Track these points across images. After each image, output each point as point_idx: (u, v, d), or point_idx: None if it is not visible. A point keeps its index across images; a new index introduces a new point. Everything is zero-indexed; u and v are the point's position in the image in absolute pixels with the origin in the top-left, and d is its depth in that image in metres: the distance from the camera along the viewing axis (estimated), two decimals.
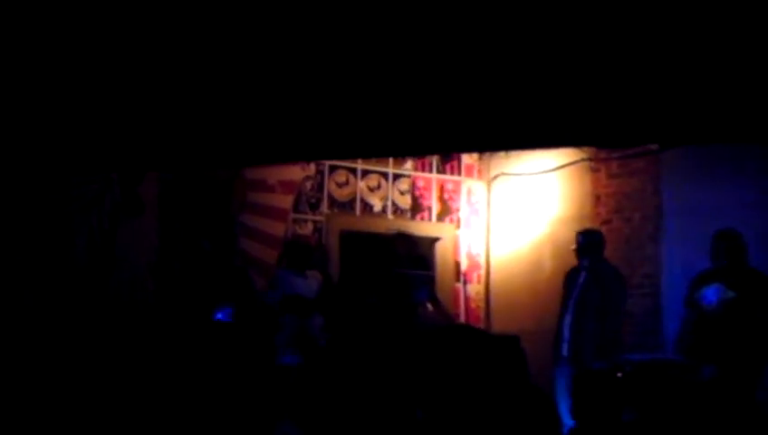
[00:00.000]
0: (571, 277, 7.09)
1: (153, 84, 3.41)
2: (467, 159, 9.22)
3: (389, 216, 8.74)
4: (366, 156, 7.61)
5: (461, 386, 2.45)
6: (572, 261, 7.16)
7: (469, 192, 9.21)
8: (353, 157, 7.87)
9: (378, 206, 8.71)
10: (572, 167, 8.36)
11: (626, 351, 6.72)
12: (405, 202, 8.86)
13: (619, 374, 3.62)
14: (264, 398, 3.07)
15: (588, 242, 7.00)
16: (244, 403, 3.09)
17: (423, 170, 8.98)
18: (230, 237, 6.91)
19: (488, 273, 9.18)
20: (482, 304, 9.13)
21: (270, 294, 6.94)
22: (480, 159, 9.27)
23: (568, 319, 6.90)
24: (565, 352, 6.83)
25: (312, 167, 8.31)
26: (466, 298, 8.86)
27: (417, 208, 8.91)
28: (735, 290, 6.00)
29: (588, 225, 7.63)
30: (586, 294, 6.85)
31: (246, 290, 6.69)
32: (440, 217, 9.05)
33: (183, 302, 6.59)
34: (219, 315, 6.39)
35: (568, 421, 4.18)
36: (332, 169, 8.44)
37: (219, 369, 3.37)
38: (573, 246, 7.08)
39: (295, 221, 8.20)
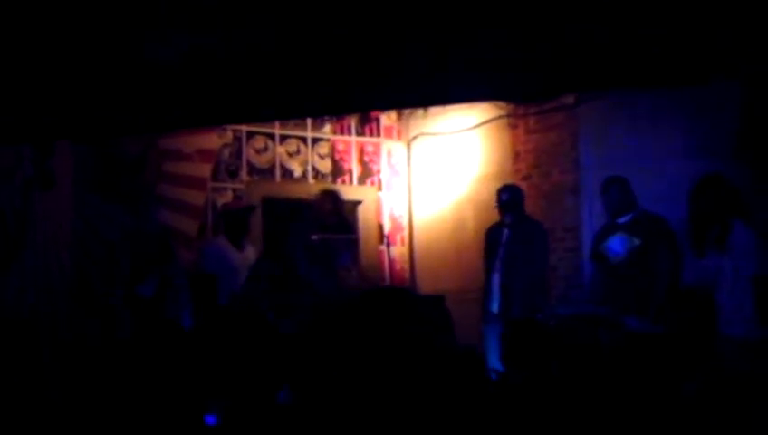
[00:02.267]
0: (493, 235, 7.10)
1: (59, 50, 3.28)
2: (386, 120, 9.18)
3: (310, 180, 8.66)
4: (282, 117, 7.49)
5: (389, 346, 2.42)
6: (495, 219, 7.19)
7: (389, 154, 9.18)
8: (269, 119, 7.75)
9: (298, 171, 8.63)
10: (491, 124, 8.38)
11: (551, 304, 6.81)
12: (325, 166, 8.79)
13: (551, 324, 3.64)
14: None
15: (510, 198, 7.02)
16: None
17: (342, 133, 8.91)
18: (147, 208, 6.75)
19: (411, 234, 9.19)
20: (406, 266, 9.14)
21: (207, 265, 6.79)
22: (399, 119, 9.25)
23: (496, 277, 6.92)
24: (495, 309, 6.84)
25: (230, 134, 8.17)
26: (391, 261, 8.85)
27: (337, 172, 8.85)
28: (638, 237, 6.11)
29: (508, 181, 7.66)
30: (512, 250, 6.88)
31: (170, 261, 6.56)
32: (361, 180, 9.00)
33: (108, 278, 6.46)
34: (142, 290, 6.27)
35: (497, 376, 4.20)
36: (250, 135, 8.31)
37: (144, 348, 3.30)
38: (495, 204, 7.09)
39: (215, 190, 8.06)
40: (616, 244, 6.24)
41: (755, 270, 5.18)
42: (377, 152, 9.11)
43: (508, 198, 7.02)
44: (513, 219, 6.96)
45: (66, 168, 7.12)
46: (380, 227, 9.01)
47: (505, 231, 6.99)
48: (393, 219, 9.12)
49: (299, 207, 7.70)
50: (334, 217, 7.03)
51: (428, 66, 3.05)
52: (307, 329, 4.77)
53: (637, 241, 6.13)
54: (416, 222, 9.15)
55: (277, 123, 8.47)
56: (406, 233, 9.18)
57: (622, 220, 6.28)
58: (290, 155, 8.57)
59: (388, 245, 8.76)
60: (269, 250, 6.85)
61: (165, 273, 6.44)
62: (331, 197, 7.24)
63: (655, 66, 2.97)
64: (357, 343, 2.38)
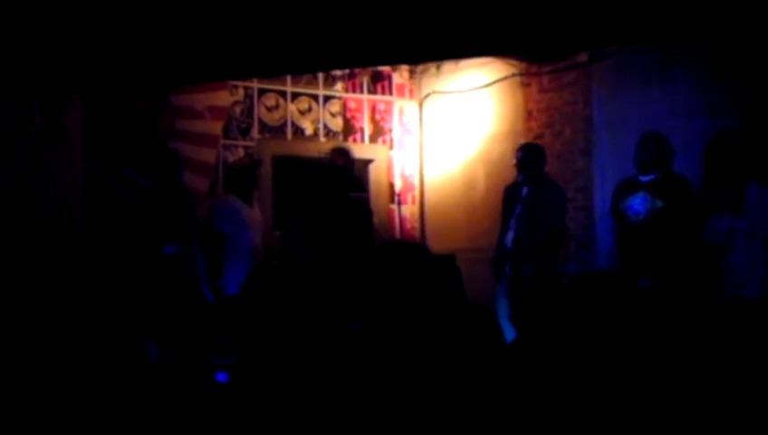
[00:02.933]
0: (511, 193, 6.96)
1: (71, 4, 3.27)
2: (398, 78, 9.14)
3: (322, 139, 8.64)
4: (295, 71, 7.45)
5: (399, 301, 2.42)
6: (506, 178, 7.13)
7: (401, 112, 9.15)
8: (282, 73, 7.71)
9: (309, 129, 8.61)
10: (503, 83, 8.33)
11: (561, 263, 6.78)
12: (336, 124, 8.76)
13: (562, 282, 3.65)
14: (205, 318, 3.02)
15: (528, 156, 6.86)
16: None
17: (354, 91, 8.87)
18: (170, 168, 6.71)
19: (422, 193, 9.18)
20: (417, 225, 9.15)
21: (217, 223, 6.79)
22: (411, 78, 9.20)
23: (510, 236, 6.80)
24: (509, 269, 6.76)
25: (241, 91, 8.15)
26: (401, 219, 8.86)
27: (349, 130, 8.82)
28: (662, 199, 5.94)
29: (520, 140, 7.61)
30: (528, 209, 6.72)
31: (192, 221, 6.59)
32: (373, 139, 8.98)
33: (131, 237, 6.47)
34: (169, 249, 6.29)
35: (511, 336, 4.19)
36: (261, 92, 8.29)
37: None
38: (513, 162, 6.95)
39: (226, 147, 8.06)
40: (637, 203, 6.04)
41: None
42: (388, 111, 9.07)
43: (526, 156, 6.86)
44: (531, 177, 6.81)
45: (77, 124, 7.13)
46: (391, 185, 9.01)
47: (523, 189, 6.83)
48: (404, 178, 9.11)
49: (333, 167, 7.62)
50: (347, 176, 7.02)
51: (436, 17, 3.03)
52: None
53: (659, 202, 5.91)
54: (427, 181, 9.14)
55: (289, 81, 8.44)
56: (417, 192, 9.18)
57: (646, 179, 6.05)
58: (301, 113, 8.55)
59: (399, 203, 8.77)
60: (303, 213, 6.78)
61: (188, 233, 6.48)
62: (343, 154, 7.23)
63: (667, 21, 2.94)
64: (366, 293, 2.38)
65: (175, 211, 6.45)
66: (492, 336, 3.12)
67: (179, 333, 5.52)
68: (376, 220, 7.21)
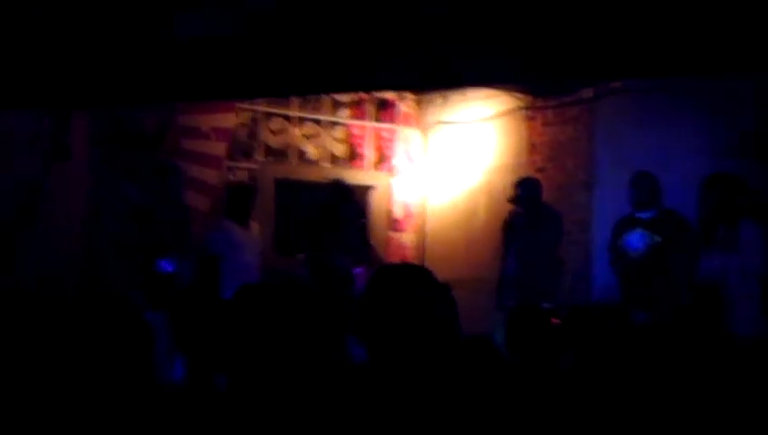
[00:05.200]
0: (511, 222, 7.11)
1: (79, 21, 3.31)
2: (403, 106, 9.18)
3: (325, 164, 8.68)
4: (300, 93, 7.50)
5: (396, 327, 2.43)
6: (508, 209, 7.20)
7: (405, 140, 9.19)
8: (288, 94, 7.76)
9: (313, 154, 8.64)
10: (508, 115, 8.38)
11: (559, 295, 6.81)
12: (340, 150, 8.80)
13: (559, 316, 3.68)
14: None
15: (526, 193, 7.00)
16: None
17: (359, 118, 8.92)
18: (168, 185, 6.78)
19: (424, 221, 9.20)
20: (415, 253, 9.16)
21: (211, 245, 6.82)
22: (417, 107, 9.25)
23: (510, 265, 6.92)
24: (508, 299, 6.84)
25: (247, 114, 8.20)
26: (401, 247, 8.87)
27: (352, 157, 8.86)
28: (660, 235, 6.07)
29: (523, 173, 7.65)
30: (528, 239, 6.87)
31: (188, 238, 6.63)
32: (376, 166, 9.02)
33: (126, 253, 6.51)
34: (164, 265, 6.31)
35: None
36: (267, 116, 8.34)
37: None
38: (510, 197, 7.08)
39: (229, 169, 8.09)
40: (635, 239, 6.19)
41: (764, 269, 5.17)
42: (392, 139, 9.12)
43: (525, 192, 6.99)
44: (529, 210, 6.95)
45: (83, 141, 7.17)
46: (391, 213, 9.03)
47: (522, 221, 6.98)
48: (405, 206, 9.14)
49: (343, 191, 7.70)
50: (343, 208, 7.16)
51: (442, 45, 3.06)
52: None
53: (657, 238, 6.06)
54: (429, 209, 9.16)
55: (295, 105, 8.49)
56: (418, 220, 9.20)
57: (644, 215, 6.22)
58: (306, 138, 8.59)
59: (398, 231, 8.80)
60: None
61: (183, 250, 6.52)
62: (341, 189, 7.36)
63: (672, 54, 2.97)
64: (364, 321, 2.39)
65: (172, 228, 6.49)
66: (491, 365, 3.13)
67: (180, 349, 5.52)
68: (374, 243, 7.26)
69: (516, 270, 6.88)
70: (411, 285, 2.39)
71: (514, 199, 7.04)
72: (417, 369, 2.28)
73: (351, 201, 7.48)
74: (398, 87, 7.77)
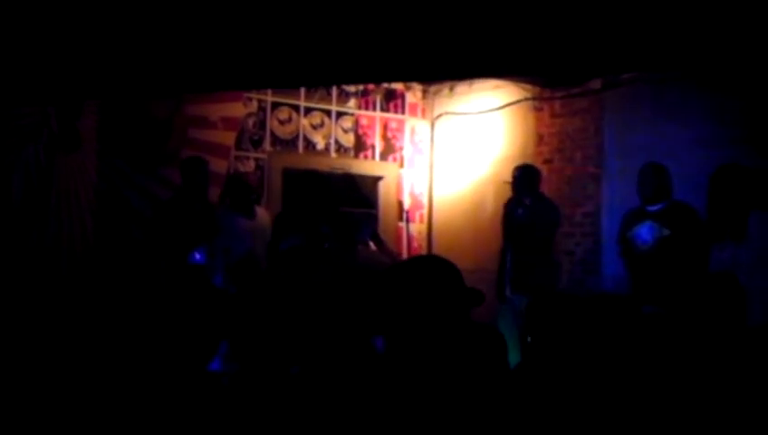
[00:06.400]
0: (508, 211, 7.16)
1: (89, 10, 3.31)
2: (411, 97, 9.19)
3: (333, 154, 8.69)
4: (309, 84, 7.51)
5: (415, 319, 2.44)
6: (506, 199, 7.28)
7: (413, 131, 9.19)
8: (296, 85, 7.77)
9: (321, 144, 8.65)
10: (516, 106, 8.37)
11: (566, 287, 6.83)
12: (348, 140, 8.81)
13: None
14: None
15: (522, 176, 7.06)
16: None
17: (366, 109, 8.93)
18: (196, 175, 6.83)
19: (431, 212, 9.21)
20: (424, 244, 9.17)
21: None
22: (424, 97, 9.25)
23: (509, 256, 6.97)
24: (509, 290, 6.88)
25: (255, 104, 8.21)
26: (409, 237, 8.89)
27: (360, 147, 8.87)
28: (669, 227, 6.04)
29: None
30: (525, 229, 6.91)
31: (215, 229, 6.65)
32: (383, 156, 9.02)
33: (159, 244, 6.53)
34: (196, 257, 6.33)
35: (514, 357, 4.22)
36: (275, 105, 8.34)
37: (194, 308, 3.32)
38: (509, 180, 7.13)
39: (237, 158, 8.11)
40: (645, 232, 6.16)
41: None
42: (400, 129, 9.12)
43: (520, 175, 7.06)
44: (526, 198, 7.00)
45: (92, 130, 7.18)
46: (400, 203, 9.04)
47: (519, 210, 7.03)
48: (413, 196, 9.15)
49: (324, 180, 7.72)
50: (350, 198, 7.16)
51: (452, 36, 3.06)
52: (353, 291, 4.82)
53: (666, 231, 6.03)
54: (436, 200, 9.17)
55: (302, 95, 8.50)
56: (425, 210, 9.21)
57: (653, 208, 6.18)
58: (313, 127, 8.60)
59: (408, 221, 8.80)
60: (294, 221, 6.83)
61: (213, 241, 6.55)
62: (346, 181, 7.37)
63: (683, 47, 2.97)
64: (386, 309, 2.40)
65: (199, 219, 6.51)
66: (500, 356, 3.14)
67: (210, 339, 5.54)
68: (383, 236, 7.24)
69: (513, 261, 6.91)
70: (434, 277, 2.40)
71: (512, 184, 7.09)
72: (435, 356, 2.29)
73: (357, 193, 7.51)
74: (406, 78, 7.77)
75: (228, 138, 8.00)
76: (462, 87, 8.80)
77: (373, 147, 8.96)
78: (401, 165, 9.11)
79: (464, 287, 2.48)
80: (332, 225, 6.56)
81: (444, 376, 2.30)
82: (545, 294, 3.83)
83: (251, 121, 8.20)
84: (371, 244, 6.91)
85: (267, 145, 8.31)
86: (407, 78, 7.66)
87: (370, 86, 8.80)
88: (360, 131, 8.88)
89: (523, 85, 8.21)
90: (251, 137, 8.20)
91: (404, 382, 2.28)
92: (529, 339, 3.46)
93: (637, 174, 6.35)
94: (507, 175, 8.04)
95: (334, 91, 8.66)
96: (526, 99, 8.27)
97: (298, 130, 8.50)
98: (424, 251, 9.08)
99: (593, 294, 5.63)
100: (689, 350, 3.33)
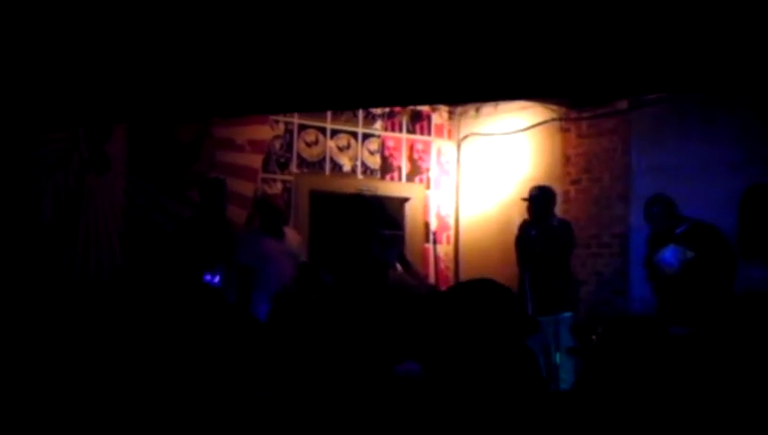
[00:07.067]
0: (523, 233, 7.20)
1: (118, 35, 3.35)
2: (437, 118, 9.20)
3: (359, 175, 8.71)
4: (336, 107, 7.56)
5: (460, 341, 2.43)
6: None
7: (439, 152, 9.20)
8: (323, 108, 7.81)
9: (347, 166, 8.68)
10: (542, 127, 8.36)
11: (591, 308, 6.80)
12: (374, 162, 8.83)
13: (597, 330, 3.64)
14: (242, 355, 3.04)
15: (539, 198, 7.07)
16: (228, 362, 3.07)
17: (393, 130, 8.94)
18: (215, 196, 6.90)
19: (457, 233, 9.20)
20: (451, 265, 9.15)
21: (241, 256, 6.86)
22: (450, 119, 9.26)
23: (527, 276, 6.94)
24: (529, 309, 6.85)
25: (282, 126, 8.25)
26: (436, 258, 8.87)
27: (386, 168, 8.88)
28: (693, 249, 6.05)
29: (557, 185, 7.65)
30: (540, 249, 6.92)
31: (231, 250, 6.68)
32: (410, 178, 9.03)
33: (173, 265, 6.57)
34: (209, 278, 6.36)
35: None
36: (302, 128, 8.38)
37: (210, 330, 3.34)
38: (524, 197, 7.16)
39: (264, 181, 8.14)
40: (669, 255, 6.18)
41: None
42: (426, 150, 9.13)
43: (536, 196, 7.08)
44: (541, 218, 7.02)
45: (120, 153, 7.24)
46: (427, 224, 9.04)
47: (532, 232, 7.05)
48: (440, 218, 9.14)
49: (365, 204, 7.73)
50: (377, 219, 7.16)
51: (476, 60, 3.07)
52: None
53: (690, 254, 6.04)
54: (462, 221, 9.16)
55: (329, 118, 8.53)
56: (452, 232, 9.19)
57: (677, 231, 6.22)
58: (340, 149, 8.62)
59: (435, 242, 8.79)
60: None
61: (229, 262, 6.57)
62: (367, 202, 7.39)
63: (710, 69, 2.96)
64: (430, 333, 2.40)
65: (216, 240, 6.54)
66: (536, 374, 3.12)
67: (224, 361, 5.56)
68: (410, 258, 7.22)
69: (530, 281, 6.90)
70: (497, 303, 2.39)
71: (528, 204, 7.12)
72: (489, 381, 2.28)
73: (382, 214, 7.51)
74: (433, 101, 7.79)
75: (255, 160, 8.05)
76: (488, 108, 8.81)
77: (399, 168, 8.97)
78: (428, 186, 9.11)
79: (523, 314, 2.49)
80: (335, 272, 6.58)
81: (494, 399, 2.30)
82: (621, 319, 3.81)
83: (278, 144, 8.24)
84: (398, 266, 6.90)
85: (294, 167, 8.34)
86: (433, 101, 7.69)
87: (397, 108, 8.83)
88: (387, 153, 8.89)
89: (549, 106, 8.20)
90: (278, 159, 8.24)
91: (456, 406, 2.27)
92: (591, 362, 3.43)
93: (666, 193, 6.36)
94: None
95: (360, 113, 8.69)
96: (553, 119, 8.26)
97: (325, 153, 8.53)
98: (451, 273, 9.06)
99: (618, 315, 5.60)
100: (721, 370, 3.29)
